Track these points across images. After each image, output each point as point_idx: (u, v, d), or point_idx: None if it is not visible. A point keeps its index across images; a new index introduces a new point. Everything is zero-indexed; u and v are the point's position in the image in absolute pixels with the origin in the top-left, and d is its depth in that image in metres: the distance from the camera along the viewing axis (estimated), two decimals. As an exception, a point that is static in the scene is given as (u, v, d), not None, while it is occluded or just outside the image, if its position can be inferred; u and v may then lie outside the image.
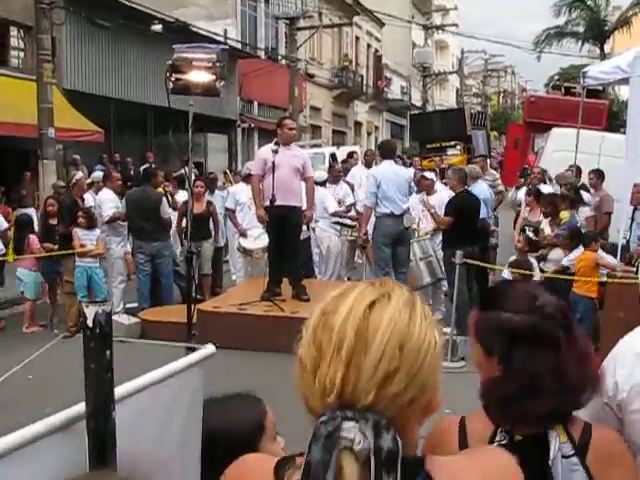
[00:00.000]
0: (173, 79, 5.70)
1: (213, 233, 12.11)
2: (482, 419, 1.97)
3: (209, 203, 12.03)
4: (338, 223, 12.31)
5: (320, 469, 1.15)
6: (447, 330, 8.83)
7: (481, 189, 11.62)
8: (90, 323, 1.39)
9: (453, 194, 10.42)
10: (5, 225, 11.17)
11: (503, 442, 1.91)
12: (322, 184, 12.08)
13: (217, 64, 5.63)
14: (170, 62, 5.72)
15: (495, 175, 15.19)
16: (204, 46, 6.23)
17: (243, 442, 1.92)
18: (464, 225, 9.73)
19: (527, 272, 9.28)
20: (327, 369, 1.22)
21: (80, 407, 1.45)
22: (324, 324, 1.27)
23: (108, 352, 1.42)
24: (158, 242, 10.99)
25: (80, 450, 1.44)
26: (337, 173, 13.15)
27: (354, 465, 1.15)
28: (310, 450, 1.17)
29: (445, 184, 12.16)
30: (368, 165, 14.33)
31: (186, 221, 11.62)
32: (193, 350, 1.99)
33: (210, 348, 2.00)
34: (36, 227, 11.55)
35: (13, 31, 19.63)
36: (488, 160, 17.33)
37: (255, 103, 30.69)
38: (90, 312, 1.40)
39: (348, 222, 12.41)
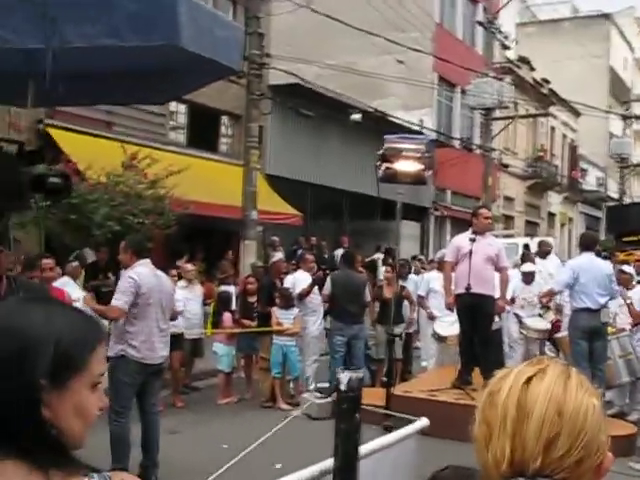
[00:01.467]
0: (383, 168, 5.94)
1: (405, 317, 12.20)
2: None
3: (402, 288, 12.17)
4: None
5: None
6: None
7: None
8: (343, 387, 1.55)
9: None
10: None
11: None
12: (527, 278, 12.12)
13: (425, 154, 5.85)
14: (381, 151, 5.97)
15: None
16: (413, 137, 6.47)
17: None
18: None
19: None
20: (497, 442, 1.34)
21: (329, 462, 1.61)
22: (490, 403, 1.39)
23: (357, 415, 1.58)
24: (358, 325, 11.18)
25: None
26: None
27: None
28: None
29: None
30: (542, 255, 14.14)
31: (379, 306, 11.87)
32: (390, 430, 2.12)
33: (424, 420, 2.12)
34: (234, 304, 12.04)
35: (224, 120, 20.95)
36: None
37: (449, 192, 30.88)
38: (344, 377, 1.56)
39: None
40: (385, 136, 6.30)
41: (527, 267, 12.87)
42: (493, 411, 1.37)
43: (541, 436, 1.30)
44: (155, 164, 14.07)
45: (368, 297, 11.39)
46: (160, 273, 7.47)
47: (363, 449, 1.70)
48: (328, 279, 11.40)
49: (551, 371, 1.39)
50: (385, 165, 5.91)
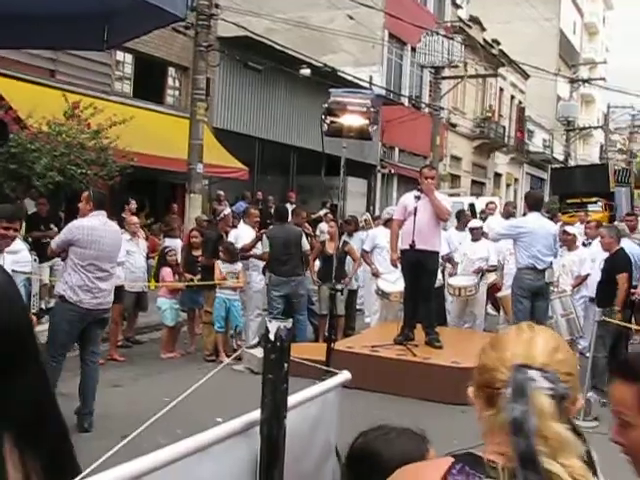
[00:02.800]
0: (328, 122, 5.89)
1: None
2: None
3: (345, 243, 12.20)
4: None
5: (519, 393, 1.48)
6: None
7: (630, 248, 11.21)
8: (272, 336, 1.52)
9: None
10: None
11: None
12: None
13: (371, 109, 5.80)
14: (326, 105, 5.91)
15: None
16: (359, 91, 6.42)
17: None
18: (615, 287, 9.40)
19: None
20: (513, 348, 1.60)
21: (256, 414, 1.58)
22: (498, 337, 1.71)
23: (285, 365, 1.55)
24: (296, 279, 11.18)
25: (253, 452, 1.57)
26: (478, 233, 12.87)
27: (547, 399, 1.48)
28: (507, 386, 1.51)
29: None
30: (509, 216, 14.24)
31: (320, 261, 11.88)
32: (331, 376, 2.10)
33: (346, 374, 2.11)
34: (179, 258, 11.94)
35: (171, 71, 20.62)
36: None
37: (396, 149, 30.94)
38: (273, 327, 1.53)
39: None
40: (330, 90, 6.24)
41: (474, 223, 12.96)
42: (504, 337, 1.68)
43: (548, 344, 1.60)
44: (99, 114, 13.80)
45: (306, 247, 11.38)
46: (111, 224, 7.65)
47: (288, 401, 1.67)
48: (264, 236, 11.33)
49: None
50: (330, 119, 5.85)
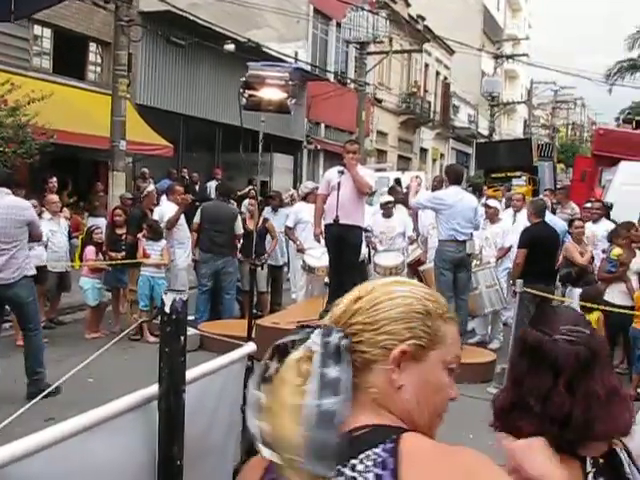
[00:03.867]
0: (246, 95, 5.83)
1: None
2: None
3: (265, 220, 12.17)
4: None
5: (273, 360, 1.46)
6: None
7: (553, 222, 11.39)
8: (167, 309, 1.49)
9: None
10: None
11: (592, 470, 1.94)
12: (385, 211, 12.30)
13: (290, 83, 5.76)
14: (244, 79, 5.85)
15: (575, 209, 14.97)
16: (278, 65, 6.37)
17: None
18: (539, 260, 9.55)
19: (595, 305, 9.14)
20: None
21: (154, 388, 1.55)
22: None
23: (182, 337, 1.52)
24: (225, 257, 11.13)
25: (152, 427, 1.54)
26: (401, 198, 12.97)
27: (295, 358, 1.43)
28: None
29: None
30: (434, 190, 14.33)
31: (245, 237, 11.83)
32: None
33: (251, 345, 2.10)
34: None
35: (92, 46, 20.18)
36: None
37: (322, 125, 30.92)
38: (168, 299, 1.49)
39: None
40: (248, 63, 6.17)
41: (385, 198, 12.93)
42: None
43: (353, 294, 1.57)
44: (17, 90, 13.44)
45: (239, 229, 11.33)
46: (11, 200, 7.77)
47: (188, 374, 1.64)
48: (198, 210, 11.26)
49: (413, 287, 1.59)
50: (248, 93, 5.79)
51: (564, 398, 1.90)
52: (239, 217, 11.55)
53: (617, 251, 9.94)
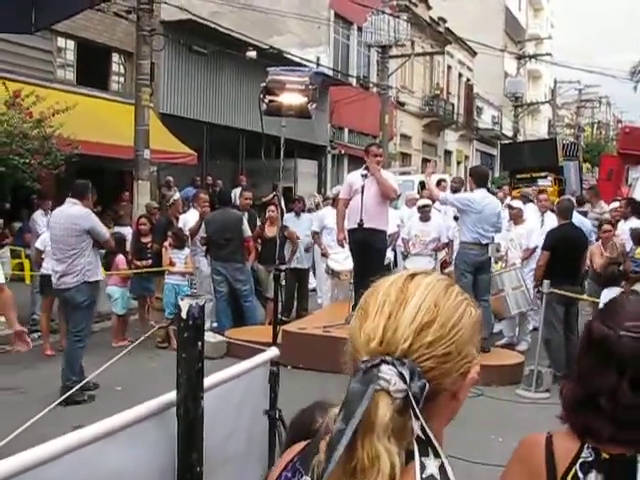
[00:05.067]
0: (267, 101, 5.83)
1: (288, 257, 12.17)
2: (569, 437, 1.97)
3: (284, 227, 12.09)
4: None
5: (356, 399, 1.23)
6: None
7: (580, 222, 11.26)
8: (184, 315, 1.48)
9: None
10: None
11: (589, 459, 1.90)
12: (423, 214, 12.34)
13: (310, 87, 5.74)
14: (264, 84, 5.86)
15: (604, 208, 14.85)
16: (298, 69, 6.37)
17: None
18: (564, 261, 9.42)
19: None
20: (372, 322, 1.32)
21: (173, 395, 1.54)
22: (373, 291, 1.38)
23: (200, 343, 1.51)
24: (235, 264, 11.11)
25: (171, 434, 1.53)
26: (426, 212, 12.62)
27: (389, 405, 1.23)
28: (349, 385, 1.27)
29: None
30: (455, 192, 14.25)
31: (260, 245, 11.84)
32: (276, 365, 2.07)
33: (274, 351, 2.09)
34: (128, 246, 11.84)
35: (115, 57, 20.33)
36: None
37: (346, 130, 30.91)
38: (185, 305, 1.49)
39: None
40: (268, 69, 6.18)
41: (422, 201, 12.86)
42: (374, 297, 1.36)
43: (415, 320, 1.30)
44: (41, 102, 13.58)
45: (247, 233, 11.31)
46: (73, 210, 8.34)
47: (207, 381, 1.63)
48: (202, 223, 11.27)
49: (436, 274, 1.42)
50: (269, 98, 5.79)
51: (630, 399, 1.86)
52: (245, 221, 11.53)
53: None
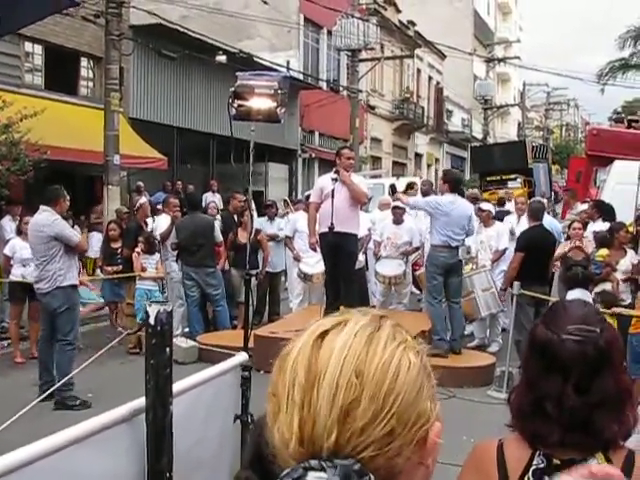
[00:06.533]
0: (235, 105, 5.84)
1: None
2: (520, 443, 1.97)
3: (257, 231, 12.07)
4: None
5: None
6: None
7: (550, 224, 11.32)
8: (152, 321, 1.48)
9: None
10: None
11: (540, 466, 1.91)
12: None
13: (278, 91, 5.75)
14: (233, 89, 5.86)
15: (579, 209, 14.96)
16: (266, 74, 6.37)
17: None
18: (535, 263, 9.51)
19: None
20: (284, 415, 1.03)
21: (142, 400, 1.54)
22: (279, 369, 1.08)
23: (168, 349, 1.51)
24: (206, 268, 11.13)
25: (141, 440, 1.53)
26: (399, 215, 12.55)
27: None
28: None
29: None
30: (425, 195, 14.29)
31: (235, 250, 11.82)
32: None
33: (243, 355, 2.10)
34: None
35: (83, 61, 20.19)
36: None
37: (316, 133, 30.92)
38: (152, 310, 1.49)
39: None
40: (237, 73, 6.19)
41: (396, 202, 12.84)
42: (282, 377, 1.06)
43: (335, 404, 1.00)
44: (9, 108, 13.45)
45: (219, 238, 11.32)
46: (38, 217, 8.42)
47: (177, 386, 1.63)
48: (173, 228, 11.26)
49: (352, 323, 1.08)
50: (238, 102, 5.80)
51: (575, 402, 1.87)
52: (216, 226, 11.51)
53: (603, 252, 9.94)
